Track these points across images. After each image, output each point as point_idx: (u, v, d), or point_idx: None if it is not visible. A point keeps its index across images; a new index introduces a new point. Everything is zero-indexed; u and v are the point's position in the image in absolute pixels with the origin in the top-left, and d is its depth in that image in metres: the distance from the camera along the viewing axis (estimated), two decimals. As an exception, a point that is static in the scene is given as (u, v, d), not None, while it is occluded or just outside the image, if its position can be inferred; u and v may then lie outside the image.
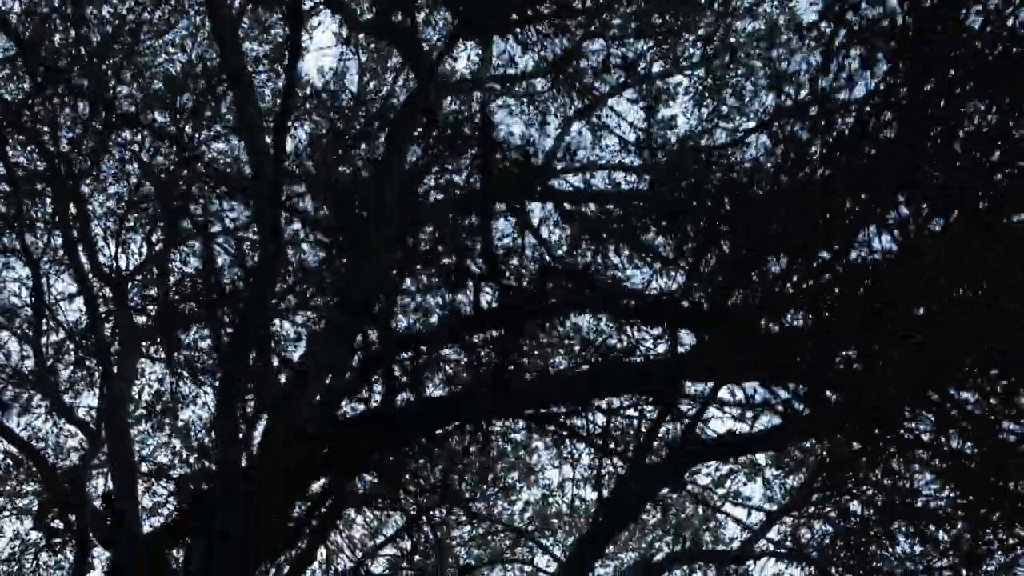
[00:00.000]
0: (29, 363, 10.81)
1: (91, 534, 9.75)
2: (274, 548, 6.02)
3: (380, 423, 5.49)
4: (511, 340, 5.09)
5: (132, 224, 10.63)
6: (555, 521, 13.50)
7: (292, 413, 5.61)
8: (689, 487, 8.37)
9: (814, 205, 5.57)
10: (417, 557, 10.86)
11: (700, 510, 10.60)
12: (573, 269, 5.31)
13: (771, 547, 9.30)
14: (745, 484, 11.94)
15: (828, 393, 5.87)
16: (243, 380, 6.16)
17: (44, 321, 10.19)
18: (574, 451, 10.84)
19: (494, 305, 5.06)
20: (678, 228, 5.45)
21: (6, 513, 13.09)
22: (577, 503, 12.95)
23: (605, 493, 7.01)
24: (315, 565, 9.59)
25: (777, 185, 5.55)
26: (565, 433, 7.25)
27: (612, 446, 6.87)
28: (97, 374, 10.45)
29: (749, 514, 11.72)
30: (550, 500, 13.46)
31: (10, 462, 12.83)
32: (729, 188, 6.01)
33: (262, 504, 5.75)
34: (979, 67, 5.26)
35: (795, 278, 5.60)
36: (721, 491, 11.68)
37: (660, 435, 6.50)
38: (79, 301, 10.99)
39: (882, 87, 5.67)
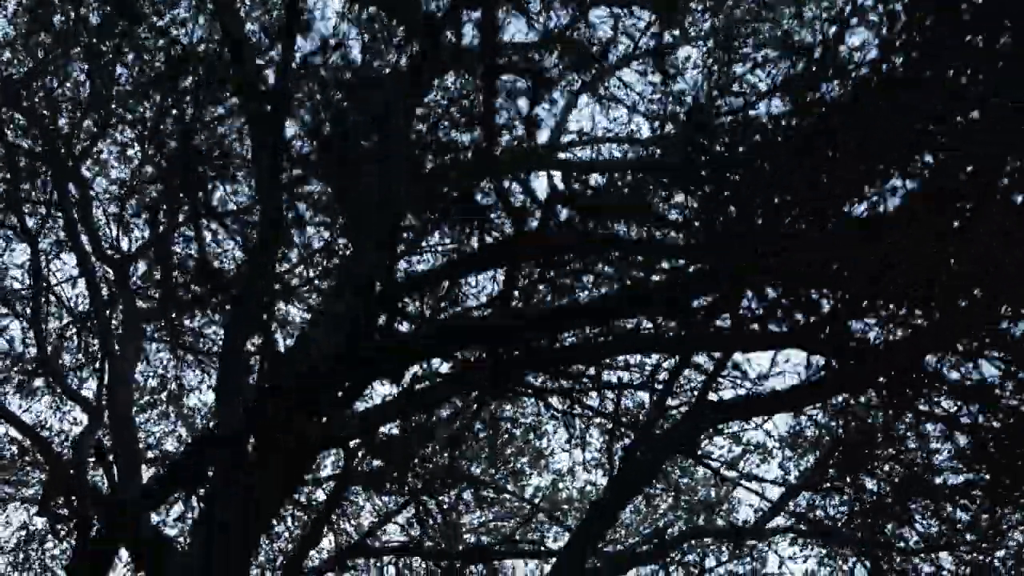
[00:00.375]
0: (31, 345, 10.68)
1: (92, 518, 9.67)
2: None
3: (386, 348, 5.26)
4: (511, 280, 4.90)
5: (134, 206, 10.50)
6: (565, 507, 13.33)
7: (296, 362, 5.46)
8: (702, 463, 8.18)
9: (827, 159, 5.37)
10: (428, 543, 10.73)
11: (713, 490, 10.43)
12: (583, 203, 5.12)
13: (787, 523, 9.12)
14: (758, 466, 11.80)
15: (845, 353, 5.69)
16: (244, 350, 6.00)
17: (43, 300, 10.05)
18: (583, 428, 10.73)
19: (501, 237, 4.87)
20: (690, 184, 5.27)
21: (15, 502, 13.04)
22: (588, 488, 12.80)
23: (616, 464, 6.85)
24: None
25: (788, 139, 5.37)
26: (577, 408, 7.11)
27: (623, 419, 6.73)
28: (100, 357, 10.31)
29: (762, 494, 11.56)
30: (560, 486, 13.30)
31: (15, 450, 12.78)
32: (740, 147, 5.84)
33: (262, 496, 5.62)
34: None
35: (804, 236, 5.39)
36: (733, 473, 11.55)
37: (672, 402, 6.32)
38: (81, 285, 10.90)
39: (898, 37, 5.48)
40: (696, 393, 6.37)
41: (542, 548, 9.52)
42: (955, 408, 8.60)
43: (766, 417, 7.81)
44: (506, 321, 5.12)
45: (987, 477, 8.88)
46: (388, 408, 6.41)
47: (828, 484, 9.00)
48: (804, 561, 13.22)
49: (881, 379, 5.83)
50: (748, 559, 11.70)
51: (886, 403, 7.72)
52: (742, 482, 8.94)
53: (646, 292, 4.87)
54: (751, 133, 6.01)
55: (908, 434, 9.45)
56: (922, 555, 8.71)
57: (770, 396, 5.87)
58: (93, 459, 8.01)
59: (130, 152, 10.59)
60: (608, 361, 7.24)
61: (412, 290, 4.98)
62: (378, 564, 10.55)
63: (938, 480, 8.87)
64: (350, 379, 5.21)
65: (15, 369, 11.78)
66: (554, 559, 7.65)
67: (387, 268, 5.41)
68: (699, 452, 7.81)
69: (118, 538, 5.73)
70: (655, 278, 5.31)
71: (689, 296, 4.88)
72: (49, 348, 10.17)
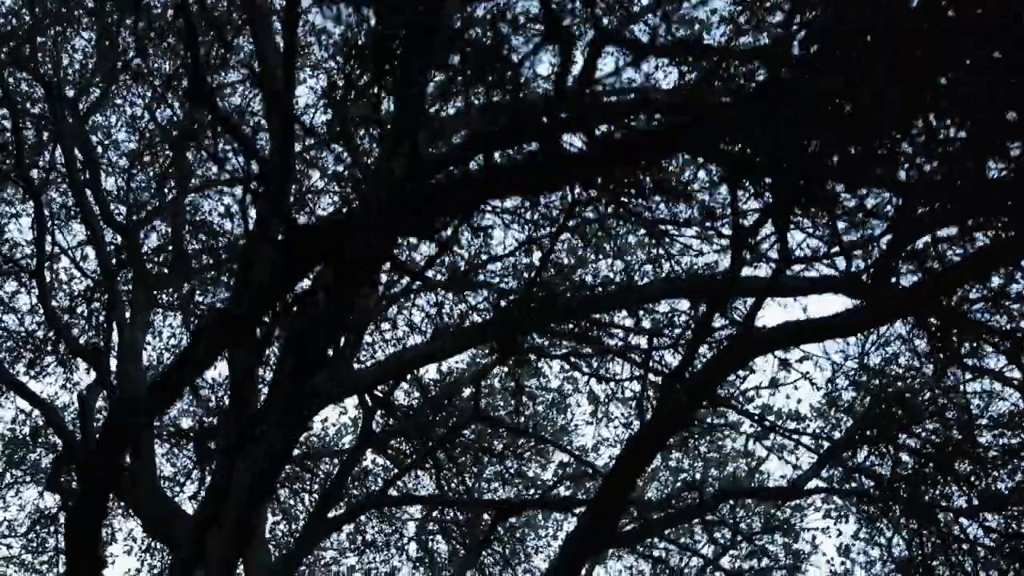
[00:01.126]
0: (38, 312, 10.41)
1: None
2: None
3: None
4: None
5: (142, 172, 10.23)
6: (588, 485, 12.99)
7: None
8: (741, 411, 7.81)
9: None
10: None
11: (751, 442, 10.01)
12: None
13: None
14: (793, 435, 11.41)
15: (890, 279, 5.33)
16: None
17: (48, 258, 9.77)
18: (608, 396, 10.39)
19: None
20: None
21: (27, 482, 12.84)
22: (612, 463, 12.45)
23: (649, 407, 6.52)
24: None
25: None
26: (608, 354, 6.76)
27: (655, 364, 6.41)
28: (106, 328, 10.03)
29: (796, 461, 11.17)
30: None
31: (27, 431, 12.57)
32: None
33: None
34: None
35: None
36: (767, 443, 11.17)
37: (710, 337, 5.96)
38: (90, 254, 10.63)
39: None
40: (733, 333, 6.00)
41: (574, 498, 9.14)
42: (1004, 365, 8.24)
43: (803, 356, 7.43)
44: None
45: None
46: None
47: (868, 445, 8.62)
48: (838, 535, 12.86)
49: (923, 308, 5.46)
50: (779, 533, 11.35)
51: (933, 351, 7.35)
52: (779, 436, 8.56)
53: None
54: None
55: (950, 396, 9.09)
56: (968, 517, 8.30)
57: (813, 323, 5.51)
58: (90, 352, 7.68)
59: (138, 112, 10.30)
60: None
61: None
62: (397, 514, 10.32)
63: (984, 438, 8.50)
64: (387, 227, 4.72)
65: (27, 347, 11.59)
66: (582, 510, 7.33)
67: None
68: (739, 402, 7.47)
69: (120, 450, 5.32)
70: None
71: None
72: (54, 305, 9.88)
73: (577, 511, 8.89)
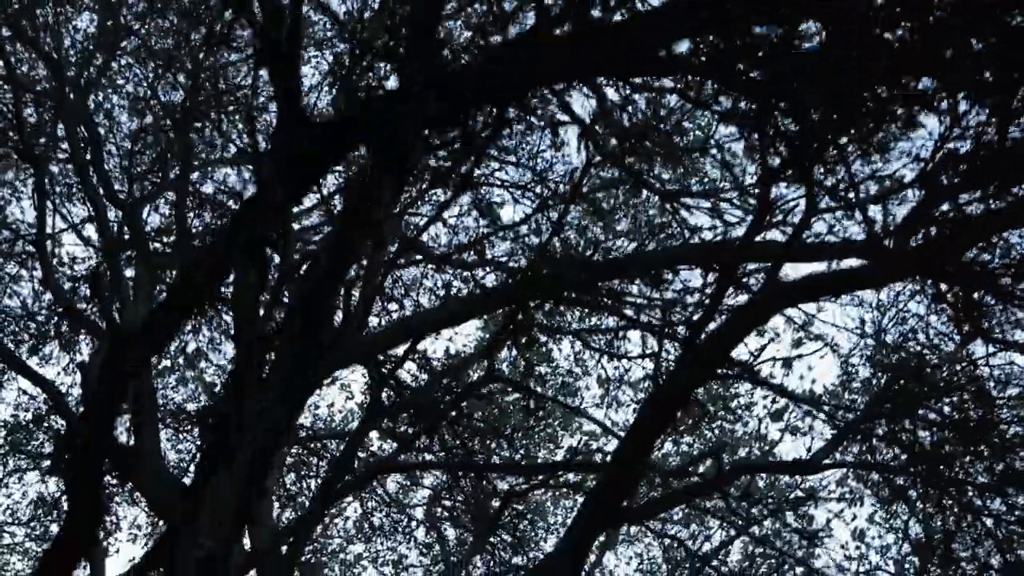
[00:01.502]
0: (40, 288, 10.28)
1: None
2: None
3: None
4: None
5: (143, 149, 10.08)
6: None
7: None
8: (757, 380, 7.63)
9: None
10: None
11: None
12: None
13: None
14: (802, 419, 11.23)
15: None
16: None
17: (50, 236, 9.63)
18: (620, 374, 10.20)
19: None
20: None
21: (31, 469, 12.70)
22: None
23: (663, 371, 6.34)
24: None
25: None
26: (623, 322, 6.58)
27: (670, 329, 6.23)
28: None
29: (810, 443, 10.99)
30: (592, 445, 12.76)
31: (30, 416, 12.43)
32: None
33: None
34: None
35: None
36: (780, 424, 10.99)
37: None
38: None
39: None
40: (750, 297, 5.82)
41: (591, 461, 8.93)
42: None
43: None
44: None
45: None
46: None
47: (886, 422, 8.42)
48: (853, 519, 12.68)
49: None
50: (792, 515, 11.15)
51: (958, 322, 7.15)
52: (796, 406, 8.38)
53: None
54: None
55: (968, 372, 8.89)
56: (991, 492, 8.10)
57: (836, 275, 5.33)
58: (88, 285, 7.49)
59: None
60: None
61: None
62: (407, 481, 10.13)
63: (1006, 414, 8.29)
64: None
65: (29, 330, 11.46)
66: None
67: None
68: (755, 373, 7.27)
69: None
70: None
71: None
72: (56, 274, 9.73)
73: (592, 478, 8.67)
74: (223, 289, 7.13)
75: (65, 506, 12.10)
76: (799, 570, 12.42)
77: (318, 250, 5.31)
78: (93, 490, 4.89)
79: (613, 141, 6.15)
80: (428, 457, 10.19)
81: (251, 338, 4.94)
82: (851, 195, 5.33)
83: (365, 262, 7.55)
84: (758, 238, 6.14)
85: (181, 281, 4.93)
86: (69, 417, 9.48)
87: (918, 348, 8.84)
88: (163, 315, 4.67)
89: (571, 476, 9.70)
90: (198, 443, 10.68)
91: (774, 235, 7.16)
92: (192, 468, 11.42)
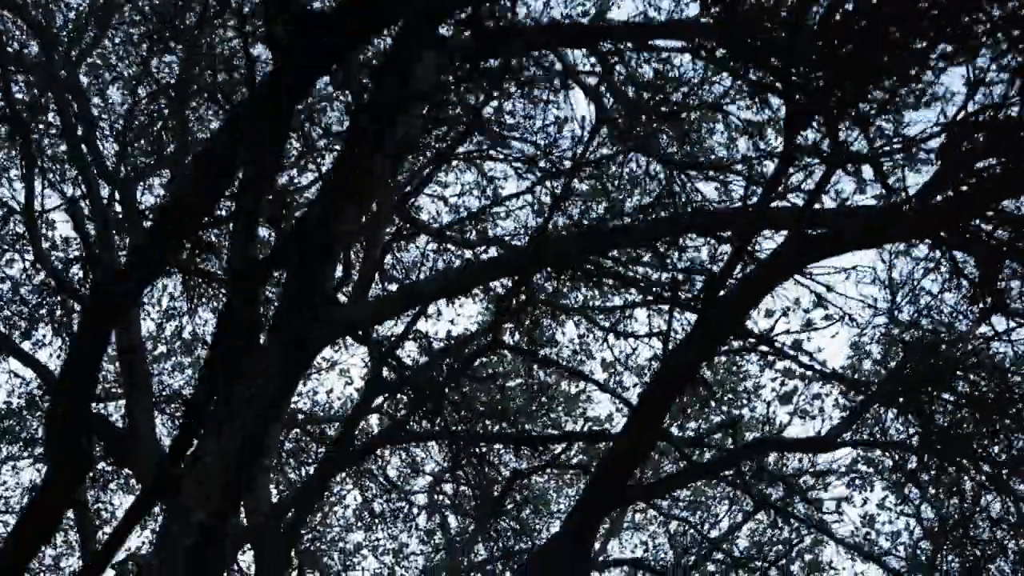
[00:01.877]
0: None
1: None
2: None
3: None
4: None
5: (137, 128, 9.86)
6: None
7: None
8: (775, 349, 7.39)
9: None
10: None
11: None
12: None
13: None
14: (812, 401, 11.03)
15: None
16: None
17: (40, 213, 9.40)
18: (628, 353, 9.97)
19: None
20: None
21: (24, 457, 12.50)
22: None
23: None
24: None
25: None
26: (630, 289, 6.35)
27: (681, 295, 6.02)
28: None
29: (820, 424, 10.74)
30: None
31: (23, 403, 12.21)
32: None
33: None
34: None
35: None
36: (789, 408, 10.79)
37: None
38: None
39: None
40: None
41: (602, 430, 8.72)
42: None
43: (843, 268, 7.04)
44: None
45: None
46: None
47: (901, 399, 8.20)
48: (863, 504, 12.44)
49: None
50: (800, 500, 10.94)
51: (974, 298, 6.91)
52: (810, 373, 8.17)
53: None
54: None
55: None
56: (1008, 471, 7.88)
57: (858, 230, 5.11)
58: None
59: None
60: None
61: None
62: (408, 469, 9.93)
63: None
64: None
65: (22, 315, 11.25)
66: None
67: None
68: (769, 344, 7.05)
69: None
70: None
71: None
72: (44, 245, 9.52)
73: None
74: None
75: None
76: (807, 557, 12.26)
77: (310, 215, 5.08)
78: (75, 440, 4.67)
79: (623, 103, 5.94)
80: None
81: (238, 266, 4.69)
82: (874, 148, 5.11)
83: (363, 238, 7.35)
84: (773, 205, 5.92)
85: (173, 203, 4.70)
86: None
87: (932, 326, 8.62)
88: (151, 242, 4.44)
89: (578, 456, 9.50)
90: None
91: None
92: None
